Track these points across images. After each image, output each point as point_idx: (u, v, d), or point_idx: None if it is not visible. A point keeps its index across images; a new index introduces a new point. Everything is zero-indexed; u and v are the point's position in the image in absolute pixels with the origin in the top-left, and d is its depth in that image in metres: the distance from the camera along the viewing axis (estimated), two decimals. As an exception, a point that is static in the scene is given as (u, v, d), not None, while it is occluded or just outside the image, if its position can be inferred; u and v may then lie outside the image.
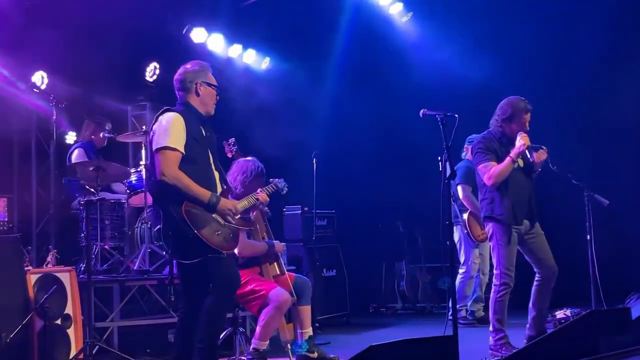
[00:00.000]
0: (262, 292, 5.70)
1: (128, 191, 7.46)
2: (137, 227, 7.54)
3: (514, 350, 5.54)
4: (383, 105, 10.43)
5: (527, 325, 6.15)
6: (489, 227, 6.08)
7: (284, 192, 6.23)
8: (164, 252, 7.25)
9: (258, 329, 5.73)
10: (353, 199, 10.39)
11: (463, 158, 8.41)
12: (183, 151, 4.70)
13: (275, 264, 6.10)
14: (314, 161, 7.91)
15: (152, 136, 4.82)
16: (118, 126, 8.44)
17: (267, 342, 5.75)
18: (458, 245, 8.35)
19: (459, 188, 8.09)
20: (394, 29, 10.40)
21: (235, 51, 10.08)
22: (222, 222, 4.80)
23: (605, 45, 9.25)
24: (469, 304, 8.40)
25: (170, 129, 4.71)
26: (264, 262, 6.05)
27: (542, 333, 6.07)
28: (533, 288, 6.11)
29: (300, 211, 8.76)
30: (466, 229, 8.19)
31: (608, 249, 7.91)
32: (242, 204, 5.28)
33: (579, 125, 9.58)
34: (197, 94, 4.96)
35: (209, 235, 4.67)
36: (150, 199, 7.44)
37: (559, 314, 7.72)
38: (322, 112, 10.55)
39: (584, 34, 9.21)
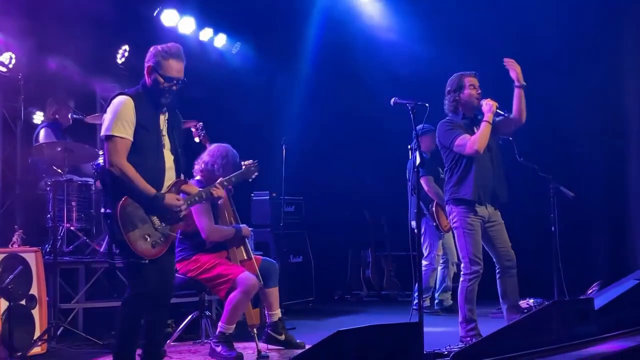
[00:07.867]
0: (229, 276, 5.71)
1: (96, 173, 7.40)
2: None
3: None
4: (353, 92, 10.43)
5: (505, 318, 6.00)
6: (454, 213, 5.96)
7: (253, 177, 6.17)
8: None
9: (225, 313, 5.74)
10: (321, 186, 10.41)
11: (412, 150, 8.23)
12: (131, 138, 4.50)
13: (242, 248, 6.10)
14: (283, 147, 7.92)
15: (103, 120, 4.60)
16: (86, 107, 8.38)
17: (234, 326, 5.76)
18: (422, 238, 8.14)
19: (422, 180, 7.89)
20: (365, 15, 10.43)
21: (206, 35, 10.00)
22: (157, 224, 4.59)
23: (573, 38, 9.34)
24: (437, 293, 8.42)
25: (119, 115, 4.49)
26: (231, 246, 6.05)
27: None
28: (498, 281, 6.02)
29: (268, 197, 8.77)
30: (435, 220, 8.20)
31: (571, 240, 8.05)
32: (191, 200, 4.87)
33: (546, 117, 9.69)
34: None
35: (135, 240, 4.46)
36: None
37: (522, 304, 7.84)
38: (291, 98, 10.55)
39: (550, 27, 9.30)
